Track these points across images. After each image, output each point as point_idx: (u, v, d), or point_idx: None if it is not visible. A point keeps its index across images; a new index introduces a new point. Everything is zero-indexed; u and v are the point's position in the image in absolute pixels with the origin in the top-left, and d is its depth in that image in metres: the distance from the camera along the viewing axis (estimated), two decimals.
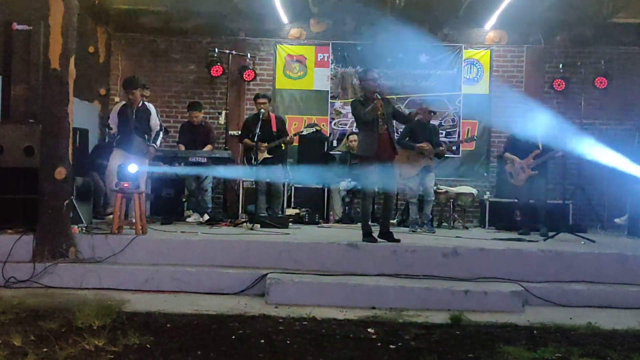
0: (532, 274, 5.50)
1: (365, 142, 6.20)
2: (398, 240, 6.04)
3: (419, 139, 7.56)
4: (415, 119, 6.99)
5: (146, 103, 7.11)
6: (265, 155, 7.54)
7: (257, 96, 7.78)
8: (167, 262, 5.67)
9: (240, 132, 7.91)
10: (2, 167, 6.06)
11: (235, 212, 8.60)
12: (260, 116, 7.42)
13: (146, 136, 6.98)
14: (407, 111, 9.48)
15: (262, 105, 7.55)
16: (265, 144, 7.53)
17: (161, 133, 7.15)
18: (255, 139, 7.26)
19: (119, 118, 6.96)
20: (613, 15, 9.37)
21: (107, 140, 7.39)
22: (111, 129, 7.01)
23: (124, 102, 7.10)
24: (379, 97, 6.02)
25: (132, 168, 6.15)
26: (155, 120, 7.08)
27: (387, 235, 6.17)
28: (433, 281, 5.35)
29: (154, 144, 7.02)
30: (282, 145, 7.77)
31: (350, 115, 9.71)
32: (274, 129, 7.62)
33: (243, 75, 9.53)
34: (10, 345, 3.62)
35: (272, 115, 7.81)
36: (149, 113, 7.03)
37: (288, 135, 7.81)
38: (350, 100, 9.07)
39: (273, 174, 7.65)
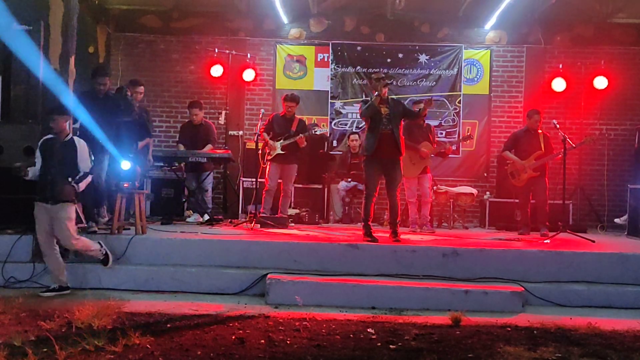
0: (532, 274, 5.50)
1: (366, 141, 6.38)
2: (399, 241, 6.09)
3: (417, 139, 7.54)
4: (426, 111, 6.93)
5: (74, 137, 5.40)
6: (279, 151, 7.58)
7: (287, 98, 7.79)
8: (167, 262, 5.68)
9: (265, 126, 7.84)
10: (2, 167, 6.06)
11: (235, 212, 8.62)
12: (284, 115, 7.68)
13: (69, 179, 5.20)
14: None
15: (290, 108, 7.70)
16: (281, 140, 7.61)
17: (89, 176, 5.35)
18: (270, 136, 7.53)
19: (42, 154, 5.27)
20: (613, 15, 9.37)
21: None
22: (23, 171, 5.23)
23: (50, 135, 5.37)
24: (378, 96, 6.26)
25: (124, 165, 6.09)
26: (84, 160, 5.31)
27: (394, 234, 6.21)
28: (433, 281, 5.35)
29: (76, 184, 5.23)
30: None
31: (350, 115, 9.78)
32: (294, 128, 7.69)
33: (243, 75, 9.51)
34: (10, 345, 3.62)
35: (297, 117, 7.88)
36: (74, 149, 5.26)
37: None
38: (351, 100, 9.14)
39: (285, 172, 7.70)
